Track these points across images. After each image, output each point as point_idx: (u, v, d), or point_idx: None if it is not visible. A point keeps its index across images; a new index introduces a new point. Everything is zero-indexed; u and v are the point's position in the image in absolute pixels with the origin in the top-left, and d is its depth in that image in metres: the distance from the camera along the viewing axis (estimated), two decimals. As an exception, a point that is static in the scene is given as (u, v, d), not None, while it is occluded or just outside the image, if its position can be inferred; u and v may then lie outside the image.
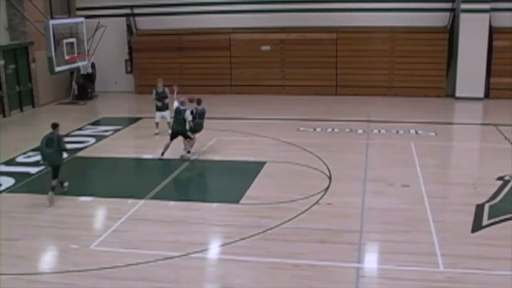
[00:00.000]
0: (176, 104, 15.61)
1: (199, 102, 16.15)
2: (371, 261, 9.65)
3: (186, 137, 15.61)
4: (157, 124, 18.28)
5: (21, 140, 18.37)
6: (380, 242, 10.31)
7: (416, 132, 18.25)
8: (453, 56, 24.13)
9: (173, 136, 15.67)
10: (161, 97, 18.00)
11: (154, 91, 18.14)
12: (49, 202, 12.43)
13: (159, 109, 18.12)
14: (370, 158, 15.48)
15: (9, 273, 9.21)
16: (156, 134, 18.23)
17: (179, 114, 15.47)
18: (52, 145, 12.58)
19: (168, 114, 17.89)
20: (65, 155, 13.35)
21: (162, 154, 15.67)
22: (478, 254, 9.56)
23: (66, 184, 13.29)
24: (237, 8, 25.66)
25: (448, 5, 24.10)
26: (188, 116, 15.42)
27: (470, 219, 11.08)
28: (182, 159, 15.53)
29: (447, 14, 24.16)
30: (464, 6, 23.14)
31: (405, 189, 12.99)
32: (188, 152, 15.68)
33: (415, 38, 24.29)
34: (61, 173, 12.85)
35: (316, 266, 9.29)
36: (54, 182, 12.64)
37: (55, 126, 12.90)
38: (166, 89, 18.06)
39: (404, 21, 24.34)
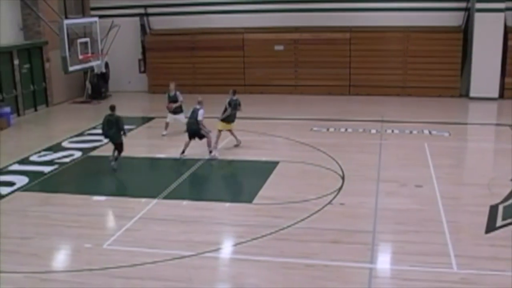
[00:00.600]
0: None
1: (234, 92, 16.28)
2: (384, 261, 9.62)
3: (200, 136, 15.62)
4: (166, 124, 18.24)
5: (35, 139, 18.51)
6: (393, 242, 10.27)
7: (430, 133, 18.14)
8: (467, 56, 23.93)
9: (190, 135, 15.69)
10: (172, 101, 18.01)
11: (166, 95, 18.22)
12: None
13: (172, 112, 18.13)
14: (383, 158, 15.41)
15: (22, 271, 9.26)
16: (163, 135, 18.22)
17: (193, 113, 15.52)
18: (112, 126, 14.47)
19: (182, 117, 17.88)
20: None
21: (183, 152, 15.66)
22: (492, 255, 9.49)
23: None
24: (250, 8, 25.65)
25: (462, 5, 23.93)
26: (200, 115, 15.43)
27: (484, 220, 10.99)
28: (212, 158, 15.55)
29: (462, 13, 23.99)
30: (479, 5, 22.96)
31: (418, 189, 12.91)
32: (210, 152, 15.63)
33: (429, 38, 24.14)
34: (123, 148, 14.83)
35: (328, 266, 9.27)
36: (116, 154, 14.82)
37: (113, 108, 14.76)
38: (178, 93, 18.06)
39: (418, 21, 24.21)
